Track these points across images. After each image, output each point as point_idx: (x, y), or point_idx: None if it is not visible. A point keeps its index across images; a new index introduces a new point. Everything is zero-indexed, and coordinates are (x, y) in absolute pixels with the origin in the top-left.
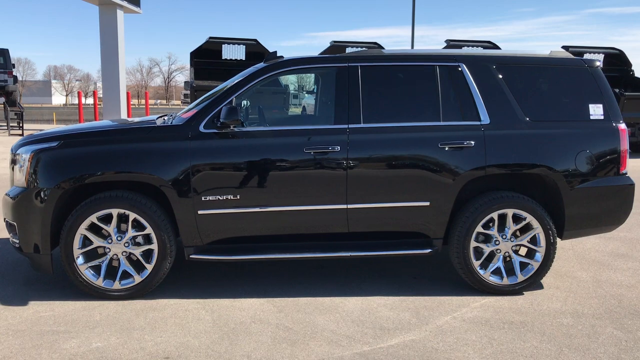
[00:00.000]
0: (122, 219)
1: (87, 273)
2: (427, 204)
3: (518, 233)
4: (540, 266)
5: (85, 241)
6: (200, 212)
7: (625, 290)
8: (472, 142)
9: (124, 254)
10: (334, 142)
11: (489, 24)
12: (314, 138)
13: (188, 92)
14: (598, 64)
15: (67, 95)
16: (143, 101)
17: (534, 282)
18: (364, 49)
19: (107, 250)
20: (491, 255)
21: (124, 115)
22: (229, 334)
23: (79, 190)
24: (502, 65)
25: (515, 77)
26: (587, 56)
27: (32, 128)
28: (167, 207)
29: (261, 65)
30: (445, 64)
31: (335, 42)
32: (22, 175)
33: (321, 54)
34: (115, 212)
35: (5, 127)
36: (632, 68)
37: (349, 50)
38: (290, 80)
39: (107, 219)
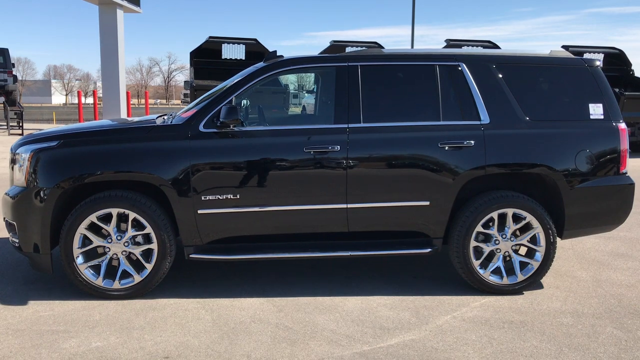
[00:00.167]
0: (122, 218)
1: (86, 272)
2: (427, 203)
3: (518, 232)
4: (540, 266)
5: (85, 241)
6: (200, 211)
7: (625, 290)
8: (472, 142)
9: (124, 253)
10: (334, 141)
11: (488, 24)
12: (314, 137)
13: (188, 91)
14: (598, 63)
15: (66, 95)
16: (143, 101)
17: (533, 282)
18: (363, 48)
19: (107, 249)
20: (491, 255)
21: (123, 114)
22: (228, 333)
23: (79, 189)
24: (502, 65)
25: (515, 77)
26: (587, 56)
27: (31, 127)
28: (167, 206)
29: (261, 64)
30: (445, 64)
31: (335, 41)
32: (22, 175)
33: (321, 53)
34: (115, 211)
35: (5, 127)
36: (632, 68)
37: (348, 49)
38: (290, 80)
39: (106, 219)
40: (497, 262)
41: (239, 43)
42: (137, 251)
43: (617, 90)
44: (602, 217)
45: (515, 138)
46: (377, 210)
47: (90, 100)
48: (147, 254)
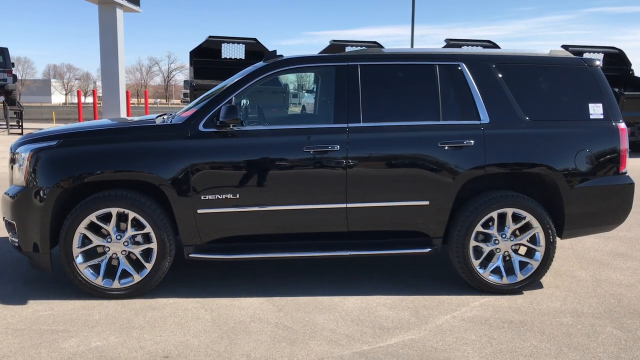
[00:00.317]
0: (122, 218)
1: (86, 272)
2: (427, 203)
3: (517, 232)
4: (539, 265)
5: (85, 240)
6: (199, 211)
7: (625, 290)
8: (472, 142)
9: (124, 253)
10: (334, 141)
11: (488, 23)
12: (314, 137)
13: (187, 91)
14: (598, 63)
15: (66, 94)
16: (143, 100)
17: (533, 282)
18: (363, 48)
19: (107, 249)
20: (491, 255)
21: (123, 114)
22: (228, 333)
23: (78, 189)
24: (502, 65)
25: (515, 77)
26: (586, 55)
27: (31, 127)
28: (167, 206)
29: (261, 64)
30: (445, 63)
31: (334, 41)
32: (22, 174)
33: (321, 53)
34: (114, 211)
35: (5, 126)
36: (632, 67)
37: (348, 49)
38: (289, 80)
39: (106, 218)
40: (497, 262)
41: (238, 42)
42: (136, 251)
43: (616, 90)
44: (601, 217)
45: (515, 138)
46: (377, 210)
47: (90, 99)
48: (146, 254)
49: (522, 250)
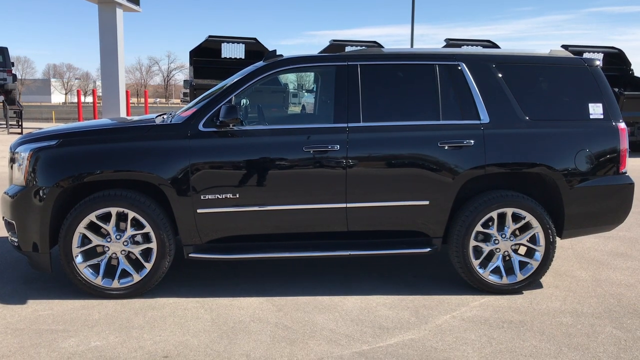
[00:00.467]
0: (121, 217)
1: (86, 272)
2: (427, 203)
3: (517, 232)
4: (539, 265)
5: (84, 240)
6: (199, 210)
7: (625, 290)
8: (472, 141)
9: (123, 252)
10: (334, 141)
11: (488, 23)
12: (314, 137)
13: (187, 90)
14: (598, 63)
15: (66, 94)
16: (142, 100)
17: (533, 282)
18: (363, 47)
19: (106, 249)
20: (490, 255)
21: (123, 113)
22: (228, 332)
23: (78, 188)
24: (502, 65)
25: (514, 76)
26: (586, 55)
27: (31, 126)
28: (166, 205)
29: (260, 64)
30: (445, 63)
31: (334, 41)
32: (21, 174)
33: (320, 52)
34: (114, 210)
35: (4, 126)
36: (632, 67)
37: (348, 49)
38: (289, 79)
39: (106, 218)
40: (497, 262)
41: (238, 42)
42: (136, 250)
43: (616, 89)
44: (601, 217)
45: (514, 137)
46: (377, 210)
47: (89, 99)
48: (146, 253)
49: (522, 250)
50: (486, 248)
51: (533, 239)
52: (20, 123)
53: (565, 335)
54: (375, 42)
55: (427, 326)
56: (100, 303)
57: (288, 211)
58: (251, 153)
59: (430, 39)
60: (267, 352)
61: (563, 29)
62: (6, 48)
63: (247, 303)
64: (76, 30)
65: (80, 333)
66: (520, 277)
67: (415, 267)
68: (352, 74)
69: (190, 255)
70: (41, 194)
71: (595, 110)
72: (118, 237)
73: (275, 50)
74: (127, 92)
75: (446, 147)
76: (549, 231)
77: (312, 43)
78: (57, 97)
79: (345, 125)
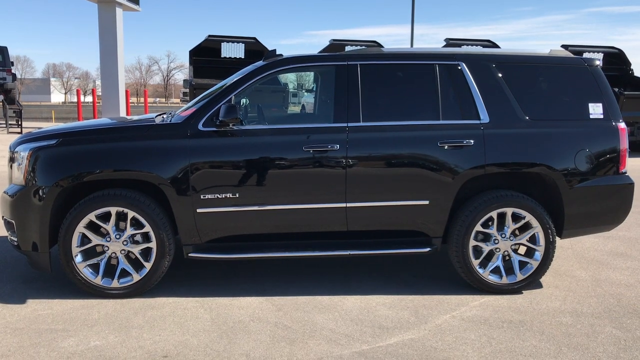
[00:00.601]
0: (121, 217)
1: (85, 271)
2: (427, 202)
3: (517, 232)
4: (539, 265)
5: (84, 239)
6: (199, 210)
7: (625, 290)
8: (472, 141)
9: (123, 252)
10: (333, 140)
11: (488, 23)
12: (313, 136)
13: (187, 90)
14: (598, 63)
15: (65, 93)
16: (142, 99)
17: (533, 281)
18: (363, 47)
19: (106, 248)
20: (490, 254)
21: (122, 113)
22: (227, 332)
23: (78, 188)
24: (502, 64)
25: (514, 76)
26: (586, 55)
27: (30, 126)
28: (166, 205)
29: (260, 63)
30: (445, 63)
31: (334, 40)
32: (21, 173)
33: (320, 52)
34: (113, 210)
35: (4, 125)
36: (632, 67)
37: (348, 48)
38: (289, 79)
39: (105, 217)
40: (497, 262)
41: (238, 42)
42: (136, 250)
43: (616, 89)
44: (601, 217)
45: (514, 137)
46: (377, 210)
47: (89, 98)
48: (146, 253)
49: (522, 249)
50: (486, 248)
51: (533, 239)
52: (19, 122)
53: (565, 335)
54: (375, 41)
55: (426, 326)
56: (100, 303)
57: (288, 211)
58: (251, 153)
59: (430, 38)
60: (267, 351)
61: (563, 29)
62: (6, 47)
63: (246, 303)
64: (76, 29)
65: (79, 333)
66: (520, 276)
67: (415, 267)
68: (352, 73)
69: (189, 254)
70: (41, 194)
71: (595, 110)
72: (118, 236)
73: (275, 50)
74: (126, 91)
75: (446, 147)
76: (549, 231)
77: (312, 43)
78: (57, 97)
79: (345, 124)
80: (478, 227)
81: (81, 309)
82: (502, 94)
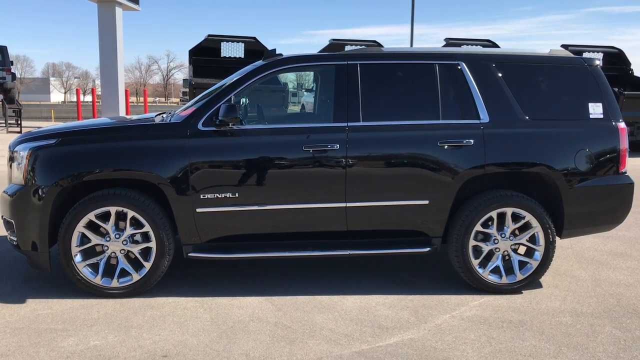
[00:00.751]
0: (121, 216)
1: (85, 271)
2: (426, 202)
3: (517, 232)
4: (539, 265)
5: (84, 239)
6: (198, 210)
7: (624, 289)
8: (472, 141)
9: (122, 252)
10: (333, 140)
11: (488, 23)
12: (313, 136)
13: (187, 89)
14: (598, 62)
15: (65, 93)
16: (142, 99)
17: (532, 281)
18: (362, 47)
19: (105, 248)
20: (490, 254)
21: (122, 112)
22: (227, 332)
23: (77, 187)
24: (502, 64)
25: (514, 76)
26: (586, 55)
27: (30, 125)
28: (166, 205)
29: (260, 63)
30: (445, 62)
31: (334, 40)
32: (20, 173)
33: (320, 52)
34: (113, 209)
35: (4, 125)
36: (632, 67)
37: (347, 48)
38: (289, 79)
39: (105, 217)
40: (496, 262)
41: (238, 41)
42: (135, 250)
43: (616, 89)
44: (601, 217)
45: (514, 137)
46: (376, 209)
47: (89, 98)
48: (145, 253)
49: (522, 249)
50: (486, 248)
51: (532, 239)
52: (19, 122)
53: (564, 335)
54: (374, 41)
55: (426, 326)
56: (100, 302)
57: (287, 210)
58: (250, 152)
59: (430, 38)
60: (267, 351)
61: (563, 29)
62: (5, 47)
63: (246, 302)
64: (75, 29)
65: (79, 332)
66: (519, 276)
67: (414, 267)
68: (352, 73)
69: (189, 254)
70: (40, 193)
71: (595, 109)
72: (117, 236)
73: (274, 50)
74: (126, 91)
75: (446, 147)
76: (549, 231)
77: (312, 42)
78: (56, 96)
79: (344, 124)
80: (478, 227)
81: (81, 309)
82: (502, 94)
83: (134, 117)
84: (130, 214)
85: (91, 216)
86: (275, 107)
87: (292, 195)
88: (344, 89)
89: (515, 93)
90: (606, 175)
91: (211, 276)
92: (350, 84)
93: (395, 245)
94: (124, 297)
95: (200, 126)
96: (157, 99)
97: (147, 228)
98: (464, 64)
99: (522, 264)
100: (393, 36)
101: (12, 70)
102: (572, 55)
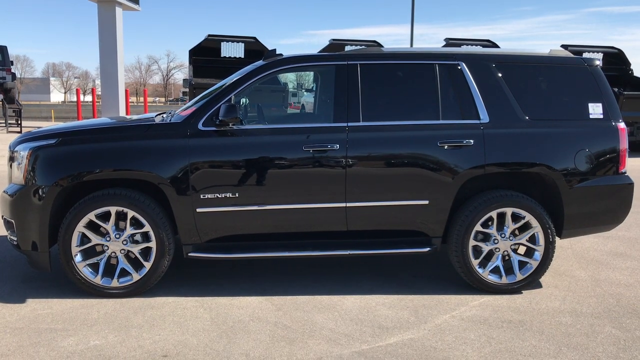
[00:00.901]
0: (121, 216)
1: (85, 271)
2: (426, 202)
3: (517, 232)
4: (539, 265)
5: (84, 239)
6: (198, 210)
7: (624, 289)
8: (472, 141)
9: (122, 251)
10: (333, 140)
11: (488, 23)
12: (313, 136)
13: (187, 89)
14: (597, 62)
15: (65, 93)
16: (142, 99)
17: (532, 281)
18: (362, 47)
19: (106, 248)
20: (490, 254)
21: (122, 112)
22: (227, 332)
23: (77, 187)
24: (502, 64)
25: (514, 76)
26: (586, 55)
27: (30, 125)
28: (166, 204)
29: (260, 63)
30: (445, 63)
31: (334, 40)
32: (20, 173)
33: (320, 52)
34: (113, 209)
35: (4, 125)
36: (631, 67)
37: (347, 48)
38: (289, 79)
39: (105, 217)
40: (496, 262)
41: (238, 41)
42: (135, 249)
43: (616, 89)
44: (601, 217)
45: (514, 137)
46: (376, 209)
47: (89, 98)
48: (145, 253)
49: (522, 249)
50: (485, 248)
51: (532, 239)
52: (19, 122)
53: (564, 335)
54: (374, 41)
55: (426, 326)
56: (100, 302)
57: (287, 210)
58: (251, 152)
59: (430, 38)
60: (267, 351)
61: (563, 29)
62: (5, 47)
63: (246, 302)
64: (75, 29)
65: (79, 332)
66: (519, 276)
67: (414, 267)
68: (352, 73)
69: (189, 254)
70: (40, 193)
71: (595, 110)
72: (117, 236)
73: (274, 50)
74: (126, 91)
75: (446, 147)
76: (549, 231)
77: (312, 42)
78: (56, 96)
79: (344, 124)
80: (478, 227)
81: (81, 309)
82: (502, 94)
83: (134, 117)
84: (131, 213)
85: (91, 216)
86: (275, 107)
87: (292, 195)
88: (344, 89)
89: (515, 93)
90: (606, 175)
91: (211, 276)
92: (350, 84)
93: (395, 245)
94: (124, 297)
95: (200, 126)
96: (157, 99)
97: (147, 228)
98: (464, 64)
99: (522, 264)
100: (393, 36)
101: (12, 70)
102: (572, 55)
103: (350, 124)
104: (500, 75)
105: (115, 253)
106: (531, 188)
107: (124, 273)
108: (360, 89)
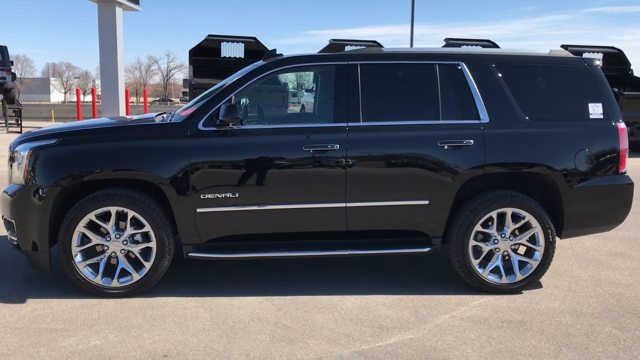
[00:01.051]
0: (121, 216)
1: (85, 271)
2: (426, 202)
3: (517, 232)
4: (539, 265)
5: (84, 239)
6: (198, 210)
7: (624, 290)
8: (472, 141)
9: (123, 251)
10: (333, 140)
11: (488, 23)
12: (313, 136)
13: (187, 89)
14: (597, 63)
15: (65, 93)
16: (142, 99)
17: (532, 281)
18: (362, 47)
19: (106, 248)
20: (490, 254)
21: (122, 112)
22: (227, 332)
23: (78, 187)
24: (502, 64)
25: (514, 76)
26: (586, 55)
27: (30, 125)
28: (166, 205)
29: (260, 63)
30: (445, 63)
31: (334, 40)
32: (21, 173)
33: (320, 52)
34: (113, 209)
35: (4, 125)
36: (631, 67)
37: (347, 48)
38: (289, 79)
39: (105, 217)
40: (496, 262)
41: (238, 41)
42: (135, 249)
43: (616, 89)
44: (601, 217)
45: (514, 137)
46: (376, 209)
47: (89, 98)
48: (145, 253)
49: (522, 249)
50: (486, 248)
51: (532, 239)
52: (19, 122)
53: (564, 335)
54: (374, 41)
55: (426, 326)
56: (100, 302)
57: (287, 210)
58: (251, 152)
59: (430, 38)
60: (267, 351)
61: (563, 29)
62: (5, 47)
63: (246, 302)
64: (75, 29)
65: (79, 332)
66: (519, 276)
67: (415, 267)
68: (352, 73)
69: (189, 254)
70: (41, 193)
71: (595, 110)
72: (117, 236)
73: (275, 50)
74: (126, 91)
75: (446, 147)
76: (549, 231)
77: (312, 42)
78: (57, 96)
79: (345, 124)
80: (478, 227)
81: (81, 309)
82: (502, 94)
83: (134, 117)
84: (131, 214)
85: (91, 216)
86: (275, 107)
87: (292, 195)
88: (344, 89)
89: (515, 93)
90: (606, 175)
91: (211, 276)
92: (351, 84)
93: (395, 245)
94: (124, 297)
95: (200, 126)
96: (157, 99)
97: (148, 228)
98: (464, 64)
99: (522, 264)
100: (393, 36)
101: (12, 70)
102: (572, 55)
103: (350, 124)
104: (500, 75)
105: (116, 253)
106: (531, 188)
107: (124, 273)
108: (361, 89)
